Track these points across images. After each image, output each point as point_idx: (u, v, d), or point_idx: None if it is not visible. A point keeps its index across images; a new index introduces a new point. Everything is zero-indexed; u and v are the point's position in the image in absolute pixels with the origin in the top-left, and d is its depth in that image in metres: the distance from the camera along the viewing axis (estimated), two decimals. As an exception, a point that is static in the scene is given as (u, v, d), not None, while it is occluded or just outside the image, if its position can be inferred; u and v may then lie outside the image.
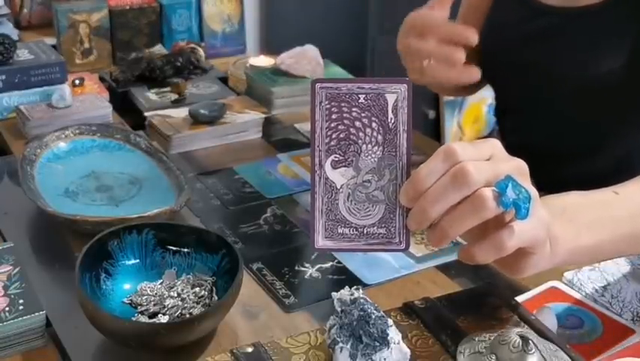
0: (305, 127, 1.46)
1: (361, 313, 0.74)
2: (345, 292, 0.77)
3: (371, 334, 0.74)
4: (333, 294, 0.77)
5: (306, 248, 1.08)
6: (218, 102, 1.46)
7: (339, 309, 0.76)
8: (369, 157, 0.72)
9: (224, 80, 1.68)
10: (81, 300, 0.85)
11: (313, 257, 1.05)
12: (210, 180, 1.26)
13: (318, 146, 0.72)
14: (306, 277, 1.01)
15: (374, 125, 0.72)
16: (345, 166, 0.72)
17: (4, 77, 1.46)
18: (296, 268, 1.03)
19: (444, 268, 1.03)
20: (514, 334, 0.74)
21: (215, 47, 1.88)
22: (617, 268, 0.98)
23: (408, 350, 0.76)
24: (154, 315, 0.90)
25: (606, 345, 0.84)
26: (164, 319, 0.89)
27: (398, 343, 0.75)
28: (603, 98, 1.12)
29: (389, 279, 1.01)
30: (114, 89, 1.60)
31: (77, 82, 1.55)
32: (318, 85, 0.72)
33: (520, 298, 0.90)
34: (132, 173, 1.22)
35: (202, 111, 1.40)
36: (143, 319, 0.89)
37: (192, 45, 1.74)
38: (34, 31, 1.98)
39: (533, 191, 0.69)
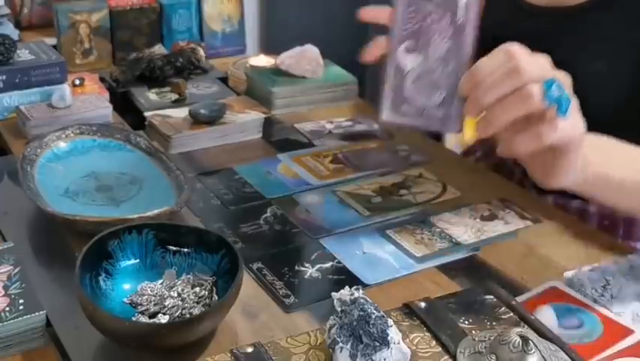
0: (305, 127, 1.46)
1: (361, 313, 0.74)
2: (345, 292, 0.77)
3: (371, 334, 0.74)
4: (333, 294, 0.77)
5: (306, 248, 1.08)
6: (218, 102, 1.46)
7: (339, 309, 0.76)
8: (438, 48, 0.82)
9: (224, 80, 1.68)
10: (81, 300, 0.85)
11: (313, 257, 1.05)
12: (210, 180, 1.26)
13: (395, 34, 0.83)
14: (306, 277, 1.01)
15: (445, 20, 0.82)
16: (416, 53, 0.82)
17: (4, 77, 1.46)
18: (296, 268, 1.03)
19: (444, 268, 1.03)
20: (514, 334, 0.74)
21: (215, 47, 1.88)
22: (617, 268, 0.98)
23: (408, 350, 0.76)
24: (154, 315, 0.90)
25: (606, 345, 0.84)
26: (164, 319, 0.89)
27: (398, 343, 0.75)
28: (595, 99, 1.12)
29: (389, 279, 1.01)
30: (114, 89, 1.60)
31: (77, 82, 1.55)
32: None
33: (520, 298, 0.90)
34: (132, 173, 1.22)
35: (202, 111, 1.40)
36: (143, 319, 0.89)
37: (192, 45, 1.74)
38: (34, 31, 1.97)
39: (574, 99, 0.79)
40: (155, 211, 1.05)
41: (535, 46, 1.17)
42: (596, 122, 1.13)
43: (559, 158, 0.81)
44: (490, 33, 1.26)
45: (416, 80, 0.83)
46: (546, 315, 0.87)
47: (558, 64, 1.14)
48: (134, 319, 0.89)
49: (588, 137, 0.91)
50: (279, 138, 1.44)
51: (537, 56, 0.82)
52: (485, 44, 1.26)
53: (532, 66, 0.77)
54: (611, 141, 0.94)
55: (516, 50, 0.79)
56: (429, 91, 0.83)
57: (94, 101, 1.45)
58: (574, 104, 0.79)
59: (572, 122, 0.80)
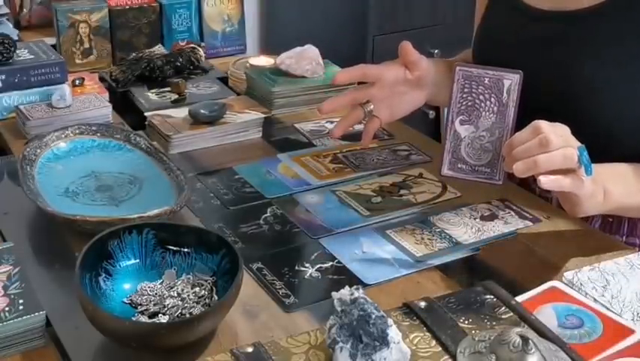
0: (305, 127, 1.46)
1: (361, 313, 0.74)
2: (345, 292, 0.77)
3: (371, 334, 0.74)
4: (333, 294, 0.77)
5: (306, 248, 1.08)
6: (218, 102, 1.46)
7: (339, 309, 0.76)
8: (486, 120, 1.04)
9: (224, 80, 1.68)
10: (81, 300, 0.85)
11: (313, 257, 1.05)
12: (210, 180, 1.26)
13: (453, 108, 1.05)
14: (306, 277, 1.01)
15: (492, 99, 1.04)
16: (469, 124, 1.05)
17: (4, 77, 1.46)
18: (296, 268, 1.03)
19: (444, 268, 1.03)
20: (514, 334, 0.74)
21: (215, 47, 1.88)
22: (617, 268, 0.98)
23: (408, 350, 0.76)
24: (154, 315, 0.90)
25: (606, 345, 0.84)
26: (164, 319, 0.89)
27: (398, 343, 0.75)
28: (602, 103, 1.11)
29: (389, 279, 1.01)
30: (114, 89, 1.60)
31: (77, 82, 1.55)
32: (457, 67, 1.05)
33: (520, 298, 0.90)
34: (132, 173, 1.22)
35: (202, 111, 1.40)
36: (143, 319, 0.89)
37: (192, 45, 1.74)
38: (34, 31, 1.97)
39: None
40: (155, 211, 1.05)
41: (538, 49, 1.17)
42: (608, 125, 1.13)
43: (574, 204, 1.02)
44: (494, 41, 1.26)
45: (469, 145, 1.05)
46: (546, 315, 0.87)
47: (562, 68, 1.14)
48: (134, 319, 0.89)
49: (609, 168, 1.06)
50: (279, 138, 1.44)
51: (558, 128, 0.99)
52: (491, 53, 1.25)
53: (558, 138, 0.96)
54: (629, 168, 1.08)
55: (542, 125, 0.97)
56: (479, 154, 1.05)
57: (94, 101, 1.45)
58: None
59: (590, 180, 0.99)
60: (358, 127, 1.46)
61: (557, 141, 0.96)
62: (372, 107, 1.21)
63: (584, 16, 1.12)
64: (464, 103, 1.05)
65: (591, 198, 1.02)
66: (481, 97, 1.04)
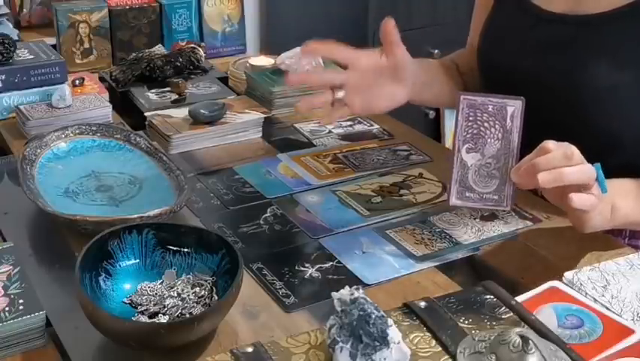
0: (305, 127, 1.46)
1: (361, 313, 0.74)
2: (345, 292, 0.77)
3: (371, 334, 0.74)
4: (333, 294, 0.77)
5: (306, 248, 1.08)
6: (218, 102, 1.46)
7: (339, 309, 0.76)
8: (492, 147, 1.05)
9: (224, 80, 1.68)
10: (81, 300, 0.85)
11: (313, 257, 1.05)
12: (210, 180, 1.26)
13: (458, 137, 1.05)
14: (306, 277, 1.01)
15: (497, 126, 1.04)
16: (475, 152, 1.05)
17: (4, 77, 1.46)
18: (296, 268, 1.03)
19: (444, 268, 1.03)
20: (514, 334, 0.74)
21: (215, 47, 1.88)
22: (617, 268, 0.98)
23: (408, 350, 0.75)
24: (154, 315, 0.90)
25: (606, 345, 0.84)
26: (164, 319, 0.89)
27: (398, 343, 0.75)
28: (612, 109, 1.11)
29: (389, 279, 1.01)
30: (114, 89, 1.60)
31: (77, 82, 1.55)
32: (462, 96, 1.05)
33: (520, 298, 0.90)
34: (132, 173, 1.22)
35: (202, 111, 1.40)
36: (143, 319, 0.89)
37: (192, 45, 1.73)
38: (34, 31, 1.98)
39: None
40: (155, 211, 1.05)
41: (546, 52, 1.16)
42: (616, 131, 1.13)
43: (583, 220, 1.02)
44: (501, 43, 1.24)
45: (476, 173, 1.05)
46: (546, 315, 0.87)
47: (570, 71, 1.13)
48: (134, 319, 0.89)
49: (617, 184, 1.05)
50: (279, 138, 1.44)
51: (567, 148, 0.97)
52: (497, 55, 1.24)
53: (578, 153, 0.97)
54: (636, 183, 1.07)
55: (550, 146, 0.97)
56: (486, 181, 1.05)
57: (94, 101, 1.46)
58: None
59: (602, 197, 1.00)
60: (358, 127, 1.46)
61: (579, 155, 0.97)
62: (342, 94, 1.13)
63: (597, 20, 1.11)
64: (469, 131, 1.05)
65: (599, 215, 1.02)
66: (485, 124, 1.04)
